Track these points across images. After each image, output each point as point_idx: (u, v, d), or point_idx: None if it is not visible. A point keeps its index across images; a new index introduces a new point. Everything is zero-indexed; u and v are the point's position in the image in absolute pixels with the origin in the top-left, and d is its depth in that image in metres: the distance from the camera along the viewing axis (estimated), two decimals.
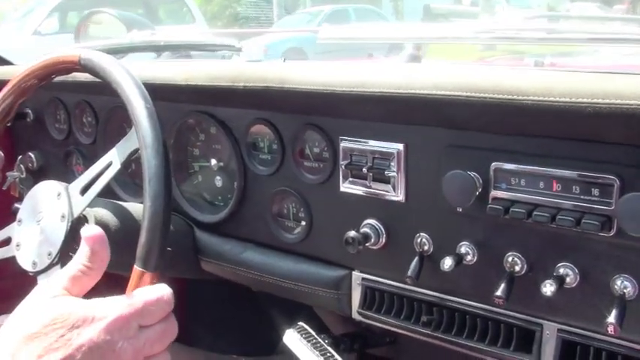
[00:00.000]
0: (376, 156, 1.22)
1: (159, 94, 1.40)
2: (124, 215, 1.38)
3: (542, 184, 1.03)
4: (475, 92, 1.01)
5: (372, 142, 1.22)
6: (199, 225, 1.56)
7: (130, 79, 1.09)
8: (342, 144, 1.26)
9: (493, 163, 1.07)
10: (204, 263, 1.56)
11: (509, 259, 1.09)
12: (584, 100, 0.91)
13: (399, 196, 1.21)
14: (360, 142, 1.24)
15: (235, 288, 1.60)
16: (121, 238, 1.31)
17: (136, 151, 1.07)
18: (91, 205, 1.34)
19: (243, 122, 1.41)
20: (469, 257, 1.13)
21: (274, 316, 1.47)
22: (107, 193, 1.62)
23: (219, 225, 1.52)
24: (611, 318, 0.96)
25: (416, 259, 1.18)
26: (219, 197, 1.56)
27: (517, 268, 1.08)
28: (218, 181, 1.55)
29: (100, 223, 1.33)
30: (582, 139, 0.99)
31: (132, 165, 1.69)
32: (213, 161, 1.53)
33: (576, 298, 1.04)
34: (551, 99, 0.94)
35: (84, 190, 1.13)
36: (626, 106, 0.88)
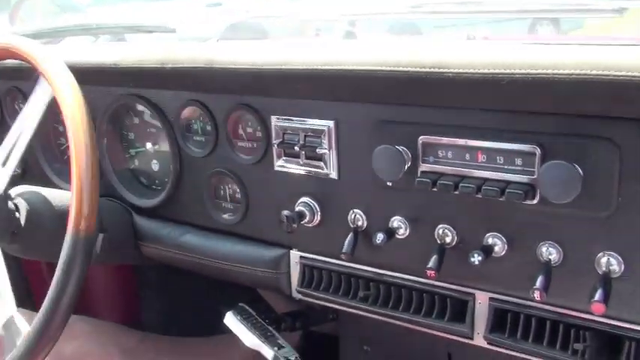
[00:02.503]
0: (308, 134, 1.21)
1: (90, 77, 1.38)
2: (56, 202, 1.36)
3: (468, 156, 1.04)
4: (397, 66, 1.01)
5: (303, 120, 1.22)
6: (138, 210, 1.54)
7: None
8: (274, 123, 1.25)
9: (421, 137, 1.07)
10: (144, 248, 1.54)
11: (440, 231, 1.10)
12: (501, 70, 0.91)
13: (331, 173, 1.20)
14: (291, 120, 1.23)
15: (184, 272, 1.59)
16: (57, 226, 1.29)
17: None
18: (23, 195, 1.32)
19: (176, 104, 1.39)
20: (401, 231, 1.14)
21: (222, 298, 1.46)
22: (42, 180, 1.60)
23: (157, 209, 1.50)
24: (538, 284, 0.98)
25: (350, 235, 1.18)
26: (157, 181, 1.54)
27: (448, 240, 1.10)
28: (155, 165, 1.52)
29: (32, 211, 1.31)
30: (504, 110, 1.00)
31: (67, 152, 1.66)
32: (149, 145, 1.51)
33: (505, 266, 1.06)
34: (470, 71, 0.94)
35: (4, 162, 1.14)
36: (541, 76, 0.89)
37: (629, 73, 0.85)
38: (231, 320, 1.32)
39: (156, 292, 2.19)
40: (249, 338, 1.29)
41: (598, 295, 0.93)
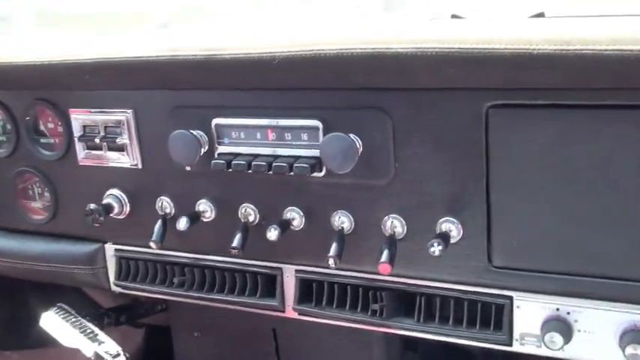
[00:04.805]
0: (108, 125, 1.20)
1: None
2: None
3: (259, 135, 1.07)
4: (175, 52, 1.02)
5: (102, 111, 1.20)
6: None
7: None
8: (74, 116, 1.23)
9: (214, 120, 1.09)
10: None
11: (243, 210, 1.13)
12: (269, 50, 0.95)
13: (135, 162, 1.20)
14: (90, 112, 1.21)
15: (8, 281, 1.52)
16: None
17: None
18: None
19: None
20: (207, 214, 1.16)
21: (43, 303, 1.42)
22: None
23: None
24: (331, 251, 1.03)
25: (159, 222, 1.18)
26: None
27: (251, 219, 1.13)
28: None
29: None
30: (287, 89, 1.03)
31: None
32: None
33: (305, 238, 1.10)
34: (245, 52, 0.97)
35: None
36: (304, 53, 0.93)
37: (387, 46, 0.90)
38: (47, 321, 1.28)
39: None
40: (66, 338, 1.26)
41: (384, 257, 0.99)
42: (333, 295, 1.13)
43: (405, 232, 1.03)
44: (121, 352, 1.26)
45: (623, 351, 0.93)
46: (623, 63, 0.78)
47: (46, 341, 1.86)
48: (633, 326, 0.94)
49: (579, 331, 0.97)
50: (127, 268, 1.29)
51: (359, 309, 1.10)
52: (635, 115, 0.86)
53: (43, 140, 1.29)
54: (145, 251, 1.26)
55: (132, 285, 1.29)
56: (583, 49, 0.81)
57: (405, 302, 1.09)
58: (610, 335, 0.96)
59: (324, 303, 1.13)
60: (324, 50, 0.92)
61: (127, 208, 1.23)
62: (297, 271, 1.15)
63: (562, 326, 0.97)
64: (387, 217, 1.03)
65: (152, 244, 1.17)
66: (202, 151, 1.09)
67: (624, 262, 0.91)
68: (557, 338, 0.97)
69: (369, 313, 1.09)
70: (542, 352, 1.00)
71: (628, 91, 0.85)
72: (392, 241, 1.01)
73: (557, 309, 0.98)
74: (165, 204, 1.19)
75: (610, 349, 0.96)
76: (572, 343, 0.98)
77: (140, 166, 1.20)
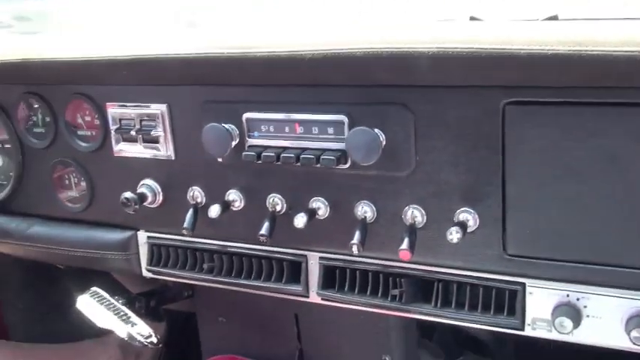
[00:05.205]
0: (143, 118, 1.27)
1: None
2: None
3: (287, 129, 1.13)
4: (208, 50, 1.09)
5: (137, 105, 1.27)
6: None
7: None
8: (110, 110, 1.30)
9: (245, 114, 1.16)
10: None
11: (271, 200, 1.19)
12: (297, 49, 1.02)
13: (168, 154, 1.27)
14: (126, 106, 1.28)
15: (43, 269, 1.59)
16: None
17: None
18: None
19: (13, 98, 1.40)
20: (237, 203, 1.23)
21: (76, 289, 1.49)
22: None
23: (3, 204, 1.51)
24: (355, 239, 1.09)
25: (190, 211, 1.25)
26: (2, 176, 1.53)
27: (278, 208, 1.19)
28: None
29: None
30: (315, 85, 1.10)
31: None
32: None
33: (329, 227, 1.16)
34: (276, 50, 1.04)
35: None
36: (332, 52, 1.00)
37: (411, 46, 0.97)
38: (83, 303, 1.36)
39: (16, 295, 2.15)
40: (101, 320, 1.33)
41: (404, 244, 1.05)
42: (355, 281, 1.19)
43: (424, 221, 1.09)
44: (153, 334, 1.33)
45: (629, 335, 0.99)
46: (630, 63, 0.84)
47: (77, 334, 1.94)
48: (639, 312, 1.00)
49: (588, 316, 1.03)
50: (159, 254, 1.36)
51: (379, 294, 1.17)
52: (637, 112, 0.92)
53: (80, 132, 1.36)
54: (175, 238, 1.33)
55: (163, 270, 1.36)
56: (594, 50, 0.87)
57: (423, 288, 1.15)
58: (617, 320, 1.01)
59: (346, 289, 1.19)
60: (352, 50, 0.99)
61: (160, 198, 1.31)
62: (321, 258, 1.21)
63: (572, 311, 1.03)
64: (407, 207, 1.09)
65: (184, 232, 1.23)
66: (233, 143, 1.16)
67: (631, 251, 0.97)
68: (567, 323, 1.03)
69: (389, 298, 1.16)
70: (553, 336, 1.06)
71: (635, 90, 0.91)
72: (412, 230, 1.08)
73: (568, 295, 1.04)
74: (196, 193, 1.26)
75: (616, 334, 1.01)
76: (581, 328, 1.04)
77: (173, 158, 1.27)
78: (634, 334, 0.98)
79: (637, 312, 1.00)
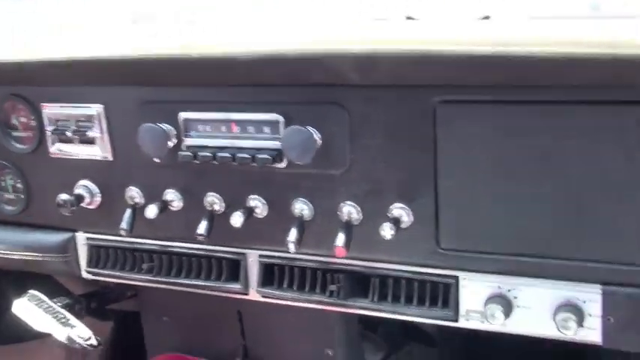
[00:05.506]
0: (80, 119, 1.26)
1: None
2: None
3: (224, 128, 1.14)
4: (145, 52, 1.09)
5: (74, 106, 1.26)
6: None
7: None
8: (46, 110, 1.28)
9: (181, 114, 1.16)
10: None
11: (209, 199, 1.20)
12: (235, 51, 1.02)
13: (106, 155, 1.26)
14: (62, 107, 1.27)
15: None
16: None
17: None
18: None
19: None
20: (175, 203, 1.23)
21: (15, 293, 1.47)
22: None
23: None
24: (291, 237, 1.10)
25: (128, 211, 1.24)
26: None
27: (216, 207, 1.19)
28: None
29: None
30: (250, 85, 1.10)
31: None
32: None
33: (267, 225, 1.17)
34: (210, 51, 1.04)
35: None
36: (264, 54, 1.00)
37: (343, 47, 0.98)
38: (20, 307, 1.34)
39: None
40: (39, 323, 1.32)
41: (339, 241, 1.07)
42: (294, 278, 1.20)
43: (360, 218, 1.10)
44: (92, 336, 1.32)
45: (557, 323, 1.03)
46: (551, 63, 0.87)
47: (20, 335, 1.91)
48: (566, 301, 1.04)
49: (518, 306, 1.07)
50: (98, 255, 1.35)
51: (317, 291, 1.18)
52: (566, 110, 0.95)
53: (15, 133, 1.34)
54: (114, 239, 1.33)
55: (102, 272, 1.35)
56: (517, 51, 0.90)
57: (361, 283, 1.17)
58: (546, 310, 1.05)
59: (285, 285, 1.21)
60: (284, 51, 1.00)
61: (98, 199, 1.29)
62: (260, 256, 1.22)
63: (503, 302, 1.06)
64: (343, 204, 1.11)
65: (122, 232, 1.23)
66: (170, 144, 1.16)
67: (558, 243, 1.01)
68: (499, 314, 1.06)
69: (327, 294, 1.17)
70: (485, 326, 1.09)
71: (559, 88, 0.94)
72: (348, 227, 1.09)
73: (499, 287, 1.07)
74: (134, 194, 1.26)
75: (545, 323, 1.05)
76: (512, 318, 1.07)
77: (111, 158, 1.26)
78: (561, 322, 1.02)
79: (565, 301, 1.04)
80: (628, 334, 1.01)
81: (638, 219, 0.95)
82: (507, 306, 1.07)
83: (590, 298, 1.02)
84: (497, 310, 1.06)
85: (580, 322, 1.02)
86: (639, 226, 0.95)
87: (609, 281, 1.00)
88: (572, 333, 1.02)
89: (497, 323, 1.07)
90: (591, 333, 1.03)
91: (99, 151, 1.26)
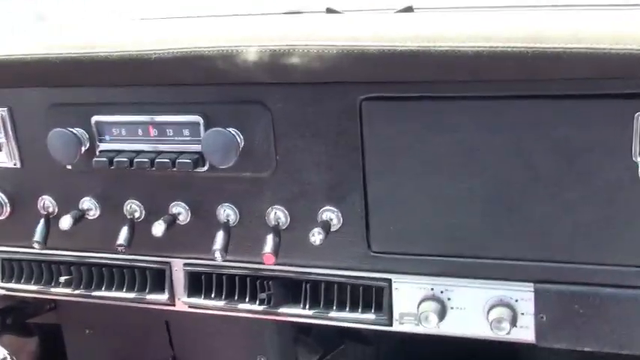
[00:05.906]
0: None
1: None
2: None
3: (140, 132, 1.07)
4: (47, 50, 1.01)
5: None
6: None
7: None
8: None
9: (94, 117, 1.08)
10: None
11: (128, 206, 1.13)
12: (147, 49, 0.96)
13: (13, 162, 1.17)
14: None
15: None
16: None
17: None
18: None
19: None
20: (92, 212, 1.15)
21: None
22: None
23: None
24: (217, 245, 1.05)
25: (41, 222, 1.16)
26: None
27: (137, 215, 1.13)
28: None
29: None
30: (168, 84, 1.04)
31: None
32: None
33: (192, 232, 1.11)
34: (119, 50, 0.97)
35: None
36: (178, 51, 0.95)
37: (262, 43, 0.93)
38: None
39: None
40: None
41: (267, 247, 1.02)
42: (222, 286, 1.15)
43: (288, 222, 1.06)
44: (8, 356, 1.24)
45: (489, 322, 1.01)
46: (474, 58, 0.84)
47: None
48: (499, 300, 1.02)
49: (452, 308, 1.04)
50: (11, 269, 1.27)
51: (247, 299, 1.13)
52: (493, 105, 0.92)
53: None
54: (28, 252, 1.24)
55: (16, 286, 1.26)
56: (442, 47, 0.86)
57: (292, 289, 1.13)
58: (479, 310, 1.03)
59: (213, 295, 1.15)
60: (200, 48, 0.94)
61: (8, 209, 1.20)
62: (185, 264, 1.16)
63: (436, 305, 1.04)
64: (270, 209, 1.06)
65: (35, 245, 1.14)
66: (83, 149, 1.08)
67: (489, 243, 0.98)
68: (432, 316, 1.03)
69: (258, 302, 1.13)
70: (420, 329, 1.06)
71: (486, 84, 0.91)
72: (276, 232, 1.05)
73: (432, 289, 1.05)
74: (47, 203, 1.17)
75: (479, 323, 1.03)
76: (446, 320, 1.05)
77: (19, 166, 1.17)
78: (494, 323, 1.00)
79: (497, 301, 1.02)
80: (560, 332, 1.00)
81: (568, 215, 0.93)
82: (441, 308, 1.04)
83: (523, 296, 1.01)
84: (430, 312, 1.03)
85: (513, 322, 1.01)
86: (569, 222, 0.93)
87: (541, 279, 0.99)
88: (506, 332, 1.01)
89: (431, 326, 1.04)
90: (524, 332, 1.02)
91: (5, 158, 1.17)
